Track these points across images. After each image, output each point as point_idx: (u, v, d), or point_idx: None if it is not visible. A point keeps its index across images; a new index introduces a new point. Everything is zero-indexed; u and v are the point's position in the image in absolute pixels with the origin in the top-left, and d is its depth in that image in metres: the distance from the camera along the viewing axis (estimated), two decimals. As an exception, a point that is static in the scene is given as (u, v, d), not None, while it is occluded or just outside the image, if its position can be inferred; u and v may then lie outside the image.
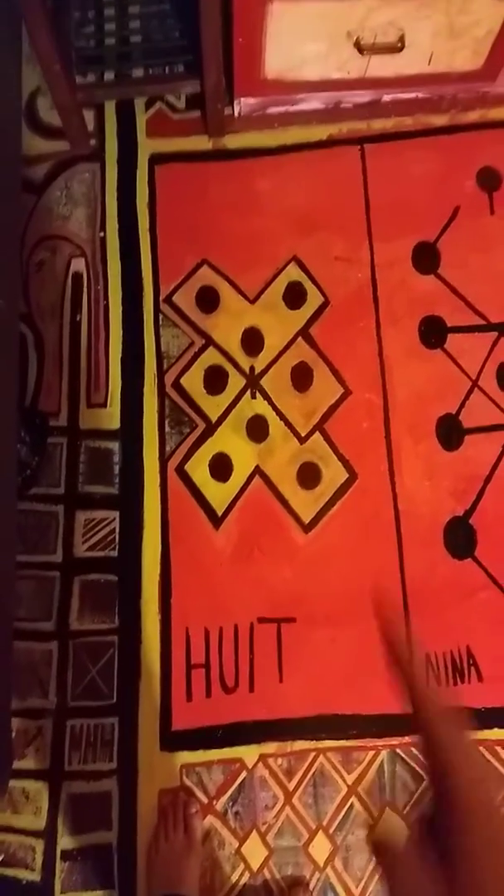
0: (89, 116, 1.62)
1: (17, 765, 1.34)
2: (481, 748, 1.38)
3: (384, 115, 1.64)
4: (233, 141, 1.62)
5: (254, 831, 1.34)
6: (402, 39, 1.40)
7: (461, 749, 0.34)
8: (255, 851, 1.33)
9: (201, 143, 1.62)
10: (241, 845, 1.33)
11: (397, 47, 1.41)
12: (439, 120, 1.65)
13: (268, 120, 1.61)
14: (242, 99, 1.56)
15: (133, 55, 1.64)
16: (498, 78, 1.55)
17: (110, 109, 1.63)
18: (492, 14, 1.38)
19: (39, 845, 1.32)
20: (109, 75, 1.63)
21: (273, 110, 1.59)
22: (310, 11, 1.33)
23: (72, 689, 1.39)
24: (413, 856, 0.33)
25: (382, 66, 1.48)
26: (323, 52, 1.43)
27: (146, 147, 1.61)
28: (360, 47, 1.41)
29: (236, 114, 1.59)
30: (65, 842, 1.33)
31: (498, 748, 1.39)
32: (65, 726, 1.37)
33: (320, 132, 1.64)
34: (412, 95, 1.59)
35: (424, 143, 1.64)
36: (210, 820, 1.34)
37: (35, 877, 1.31)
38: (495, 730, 1.39)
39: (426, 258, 1.58)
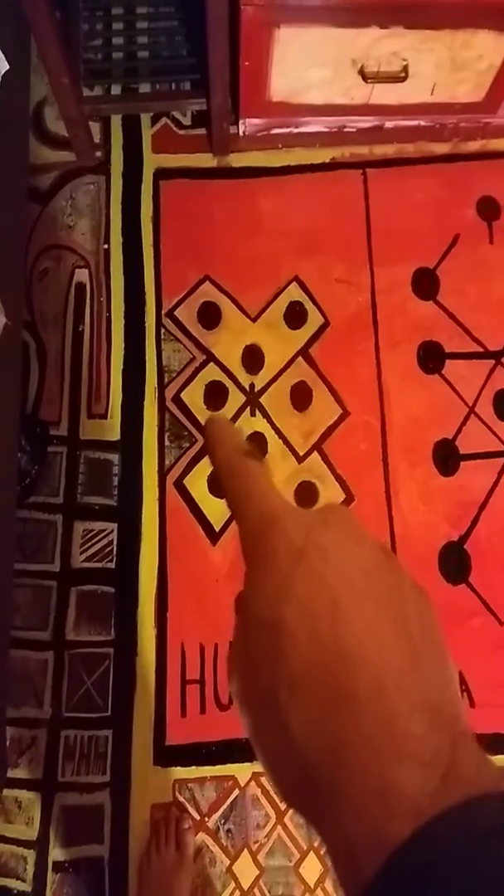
0: (95, 128, 1.70)
1: (11, 774, 1.39)
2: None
3: (387, 140, 1.74)
4: (237, 160, 1.72)
5: (245, 850, 1.40)
6: (405, 69, 1.50)
7: (243, 494, 0.36)
8: (245, 870, 1.39)
9: (206, 160, 1.72)
10: (232, 863, 1.39)
11: (401, 77, 1.50)
12: (441, 148, 1.76)
13: (272, 140, 1.71)
14: (247, 119, 1.65)
15: (140, 70, 1.72)
16: (499, 110, 1.65)
17: (116, 123, 1.72)
18: (494, 49, 1.49)
19: (31, 856, 1.37)
20: (116, 89, 1.72)
21: (277, 131, 1.68)
22: (316, 38, 1.43)
23: (66, 699, 1.45)
24: None
25: (386, 94, 1.57)
26: (328, 77, 1.52)
27: (151, 162, 1.70)
28: (364, 75, 1.50)
29: (241, 133, 1.68)
30: (56, 853, 1.38)
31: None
32: (59, 737, 1.43)
33: (323, 155, 1.74)
34: (414, 123, 1.70)
35: (426, 171, 1.75)
36: (202, 837, 1.40)
37: (26, 887, 1.36)
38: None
39: (426, 284, 1.68)
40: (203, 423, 0.39)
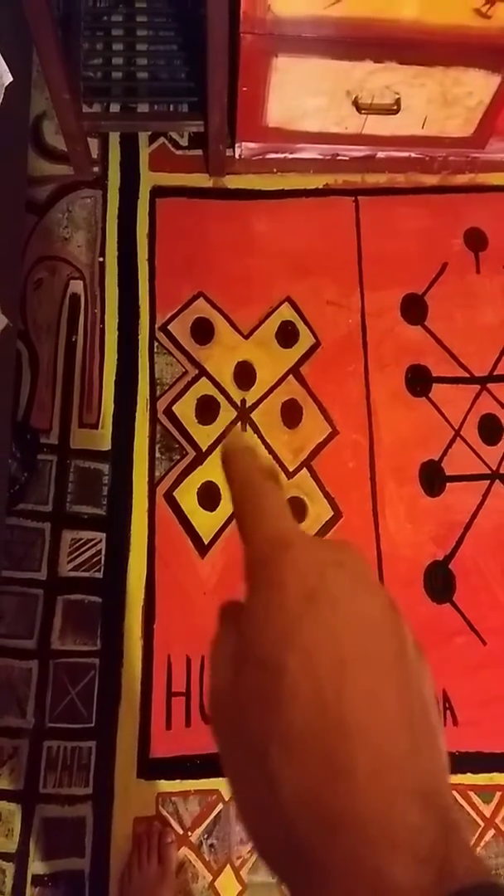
0: (94, 144, 1.76)
1: (-9, 784, 1.41)
2: (454, 793, 1.50)
3: (378, 170, 1.83)
4: (233, 182, 1.79)
5: (228, 865, 1.42)
6: (398, 103, 1.58)
7: (256, 511, 0.34)
8: (228, 886, 1.41)
9: (202, 180, 1.79)
10: (214, 879, 1.41)
11: (393, 109, 1.59)
12: (430, 179, 1.85)
13: (267, 164, 1.78)
14: (244, 143, 1.72)
15: (139, 90, 1.80)
16: (487, 146, 1.75)
17: (114, 139, 1.79)
18: (483, 86, 1.57)
19: (10, 869, 1.38)
20: (115, 107, 1.80)
21: (273, 156, 1.76)
22: (312, 68, 1.50)
23: (50, 709, 1.46)
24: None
25: (379, 125, 1.65)
26: (323, 107, 1.60)
27: (148, 179, 1.77)
28: (358, 106, 1.58)
29: (237, 156, 1.75)
30: (36, 866, 1.38)
31: (471, 793, 1.51)
32: (41, 747, 1.44)
33: (317, 181, 1.82)
34: (405, 154, 1.78)
35: (415, 201, 1.84)
36: (184, 851, 1.42)
37: (4, 901, 1.36)
38: (468, 774, 1.52)
39: (414, 309, 1.76)
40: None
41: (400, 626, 0.30)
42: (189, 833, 1.43)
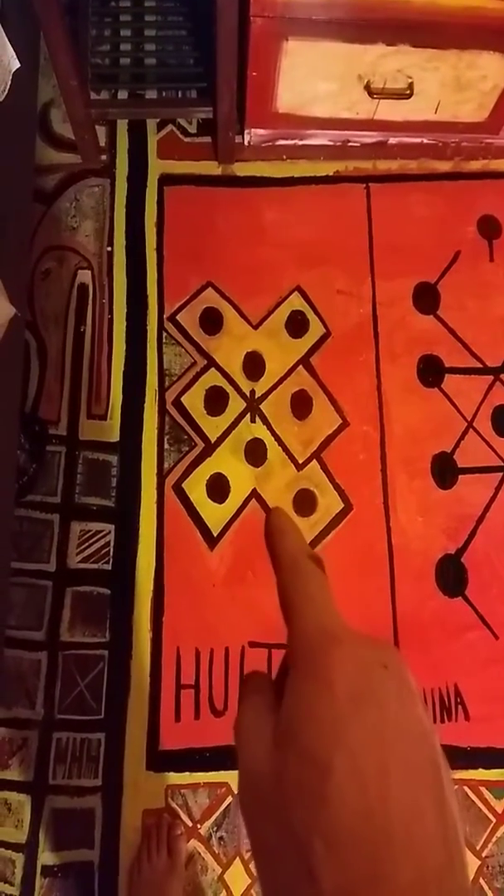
0: (101, 132, 1.79)
1: (1, 775, 1.44)
2: (465, 788, 1.53)
3: (390, 156, 1.84)
4: (242, 169, 1.81)
5: (237, 858, 1.45)
6: (410, 87, 1.59)
7: (304, 597, 0.36)
8: (237, 879, 1.44)
9: (211, 168, 1.81)
10: (223, 871, 1.44)
11: (406, 94, 1.60)
12: (443, 166, 1.86)
13: (277, 151, 1.80)
14: (253, 129, 1.73)
15: (147, 77, 1.82)
16: (501, 131, 1.76)
17: (122, 127, 1.81)
18: (498, 70, 1.58)
19: (20, 859, 1.41)
20: (123, 94, 1.81)
21: (282, 143, 1.78)
22: (323, 52, 1.51)
23: (59, 701, 1.49)
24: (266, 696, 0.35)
25: (390, 111, 1.67)
26: (334, 91, 1.61)
27: (156, 167, 1.79)
28: (370, 91, 1.59)
29: (246, 143, 1.77)
30: (46, 857, 1.42)
31: (482, 788, 1.53)
32: (51, 739, 1.47)
33: (327, 168, 1.83)
34: (418, 140, 1.80)
35: (428, 188, 1.85)
36: (194, 844, 1.45)
37: (14, 891, 1.39)
38: (480, 770, 1.54)
39: (426, 299, 1.78)
40: (264, 512, 0.39)
41: (433, 732, 0.31)
42: (198, 825, 1.46)
